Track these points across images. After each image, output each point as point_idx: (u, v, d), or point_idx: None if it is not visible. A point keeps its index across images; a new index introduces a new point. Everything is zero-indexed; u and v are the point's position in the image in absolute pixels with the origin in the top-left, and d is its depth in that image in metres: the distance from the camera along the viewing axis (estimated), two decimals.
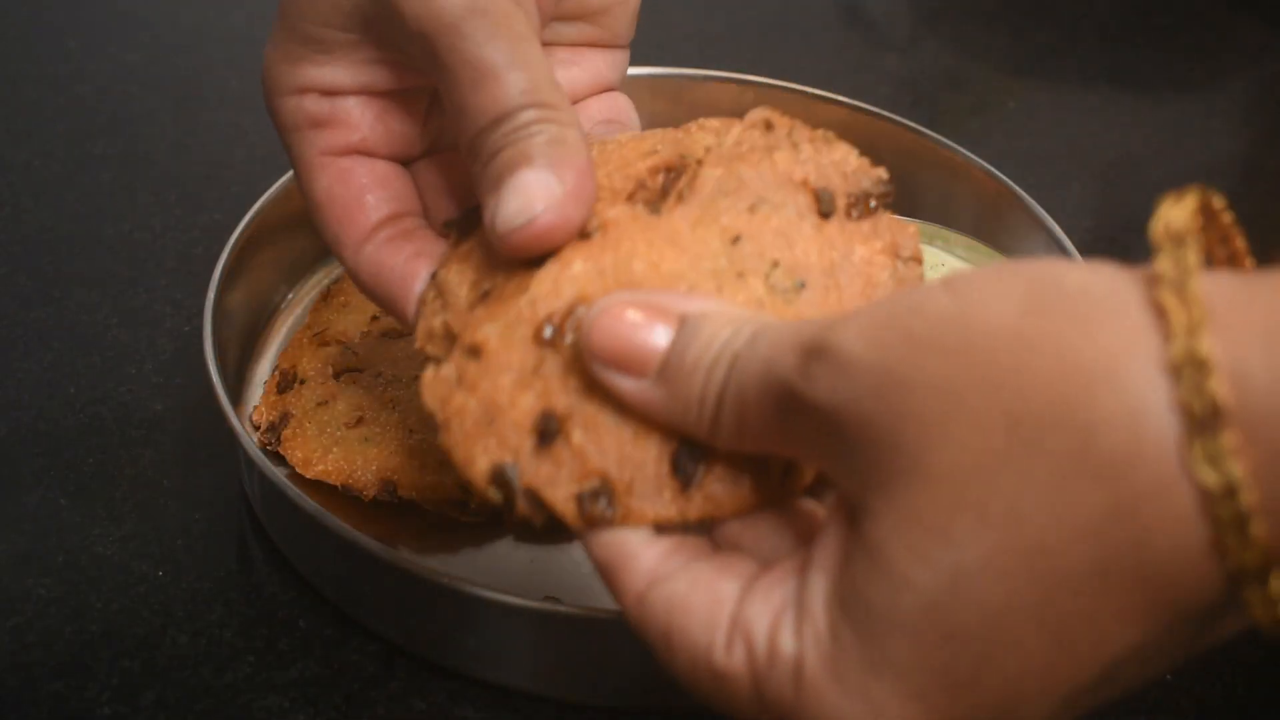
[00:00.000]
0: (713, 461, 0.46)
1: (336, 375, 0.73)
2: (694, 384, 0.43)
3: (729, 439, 0.44)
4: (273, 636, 0.66)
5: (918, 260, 0.49)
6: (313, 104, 0.59)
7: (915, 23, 1.22)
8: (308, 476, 0.70)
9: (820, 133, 0.52)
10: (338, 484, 0.69)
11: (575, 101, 0.66)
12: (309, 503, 0.64)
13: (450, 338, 0.54)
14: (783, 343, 0.42)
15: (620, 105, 0.67)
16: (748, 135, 0.51)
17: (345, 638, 0.66)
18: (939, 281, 0.40)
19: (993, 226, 0.84)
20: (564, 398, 0.46)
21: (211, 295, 0.73)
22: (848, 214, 0.50)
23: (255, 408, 0.74)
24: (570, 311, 0.47)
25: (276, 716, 0.63)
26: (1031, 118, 1.08)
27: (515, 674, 0.64)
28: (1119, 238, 0.93)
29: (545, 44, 0.65)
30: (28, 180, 0.95)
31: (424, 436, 0.70)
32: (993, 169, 0.85)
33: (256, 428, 0.73)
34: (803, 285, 0.48)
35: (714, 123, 0.58)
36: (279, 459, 0.71)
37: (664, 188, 0.52)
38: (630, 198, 0.53)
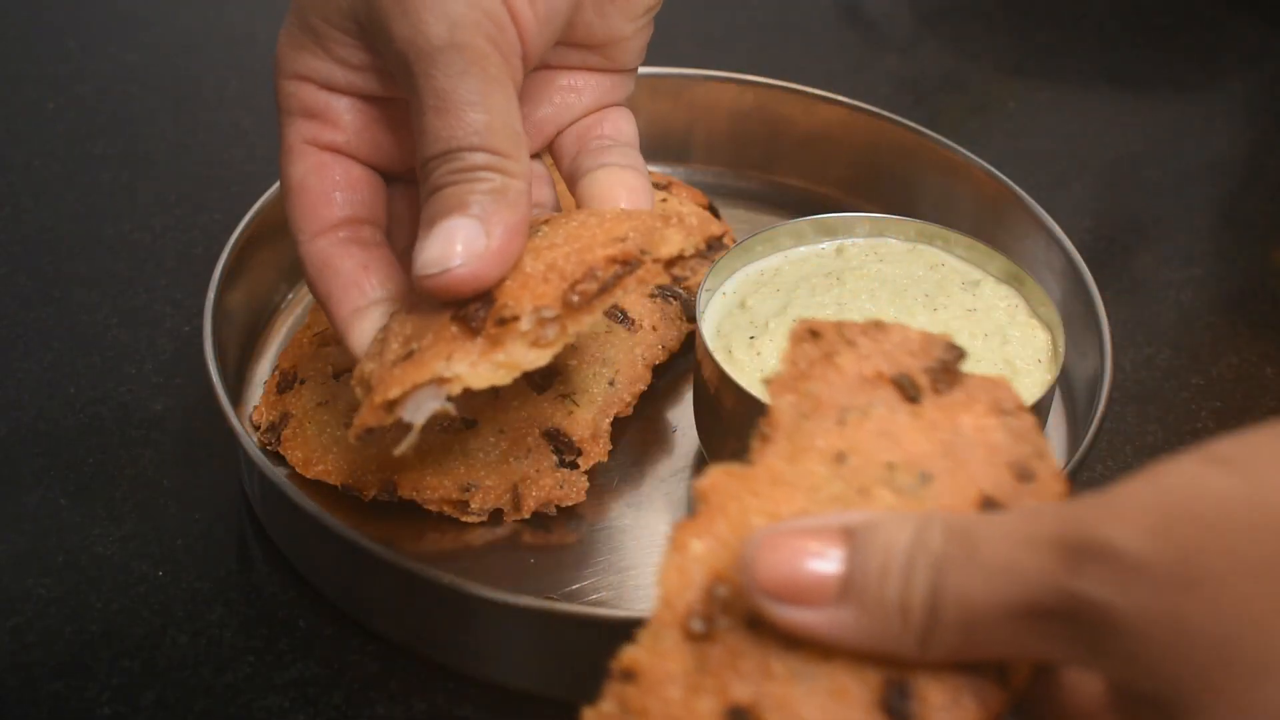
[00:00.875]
0: (923, 690, 0.41)
1: (336, 375, 0.73)
2: (888, 595, 0.39)
3: (948, 649, 0.40)
4: (273, 636, 0.66)
5: (1023, 409, 0.46)
6: (309, 93, 0.61)
7: (915, 23, 1.22)
8: (308, 476, 0.70)
9: (869, 322, 0.49)
10: (338, 484, 0.69)
11: (572, 121, 0.68)
12: (309, 503, 0.64)
13: (367, 387, 0.56)
14: (1023, 543, 0.38)
15: (616, 122, 0.68)
16: (799, 352, 0.49)
17: (345, 638, 0.66)
18: (1197, 458, 0.38)
19: (993, 226, 0.84)
20: (742, 686, 0.41)
21: (211, 295, 0.73)
22: (935, 390, 0.47)
23: (255, 408, 0.74)
24: (710, 595, 0.43)
25: (276, 716, 0.63)
26: (1031, 118, 1.08)
27: (515, 674, 0.64)
28: (1119, 238, 0.93)
29: (549, 66, 0.66)
30: (28, 180, 0.95)
31: (424, 436, 0.70)
32: (993, 169, 0.85)
33: (256, 428, 0.73)
34: (927, 477, 0.45)
35: (693, 218, 0.59)
36: (279, 459, 0.71)
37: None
38: (571, 290, 0.55)
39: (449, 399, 0.55)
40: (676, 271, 0.58)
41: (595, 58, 0.66)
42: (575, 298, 0.55)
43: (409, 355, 0.56)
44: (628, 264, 0.56)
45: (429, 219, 0.56)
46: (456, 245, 0.55)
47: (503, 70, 0.57)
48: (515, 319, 0.55)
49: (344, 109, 0.62)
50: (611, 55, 0.66)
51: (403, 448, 0.57)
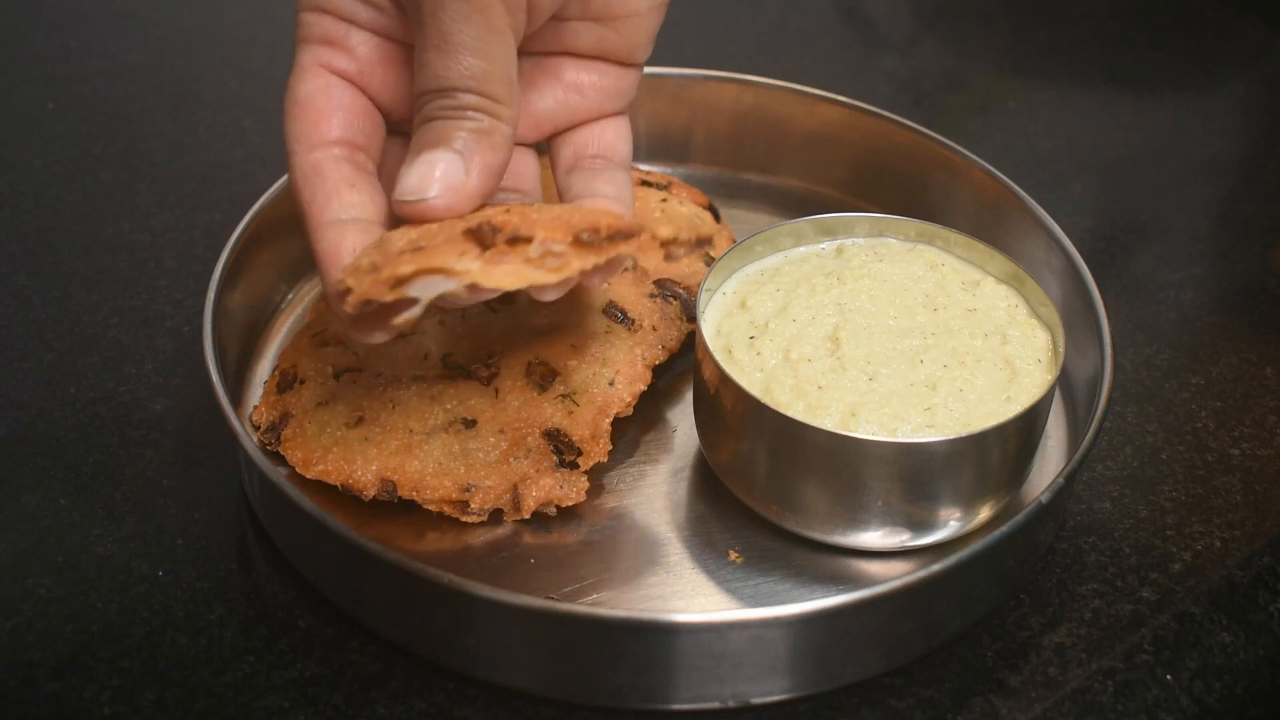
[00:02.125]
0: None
1: (336, 375, 0.73)
2: None
3: None
4: (273, 636, 0.66)
5: None
6: (328, 23, 0.65)
7: (915, 23, 1.22)
8: (308, 476, 0.70)
9: None
10: (338, 484, 0.69)
11: (571, 125, 0.70)
12: (309, 503, 0.64)
13: (375, 270, 0.58)
14: None
15: (613, 140, 0.70)
16: None
17: (345, 638, 0.66)
18: None
19: (993, 226, 0.84)
20: None
21: (211, 295, 0.73)
22: None
23: (255, 408, 0.74)
24: None
25: (276, 716, 0.63)
26: (1031, 118, 1.08)
27: (515, 674, 0.64)
28: (1119, 238, 0.93)
29: (564, 52, 0.69)
30: (28, 180, 0.96)
31: (424, 436, 0.70)
32: (993, 169, 0.85)
33: (256, 428, 0.73)
34: None
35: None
36: (279, 459, 0.72)
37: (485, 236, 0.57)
38: (580, 232, 0.58)
39: (460, 285, 0.58)
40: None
41: (609, 37, 0.69)
42: (586, 236, 0.58)
43: (418, 250, 0.58)
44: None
45: (415, 148, 0.61)
46: (435, 175, 0.60)
47: (504, 21, 0.61)
48: (527, 241, 0.58)
49: (360, 41, 0.65)
50: (624, 32, 0.69)
51: (404, 318, 0.59)
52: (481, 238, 0.58)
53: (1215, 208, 0.99)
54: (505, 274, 0.58)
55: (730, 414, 0.68)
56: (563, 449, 0.70)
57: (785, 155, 0.94)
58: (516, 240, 0.58)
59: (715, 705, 0.63)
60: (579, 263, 0.58)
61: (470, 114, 0.60)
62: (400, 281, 0.58)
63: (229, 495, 0.73)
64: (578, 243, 0.58)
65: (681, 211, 0.85)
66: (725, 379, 0.67)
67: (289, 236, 0.82)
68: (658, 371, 0.75)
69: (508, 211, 0.61)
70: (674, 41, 1.11)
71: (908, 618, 0.64)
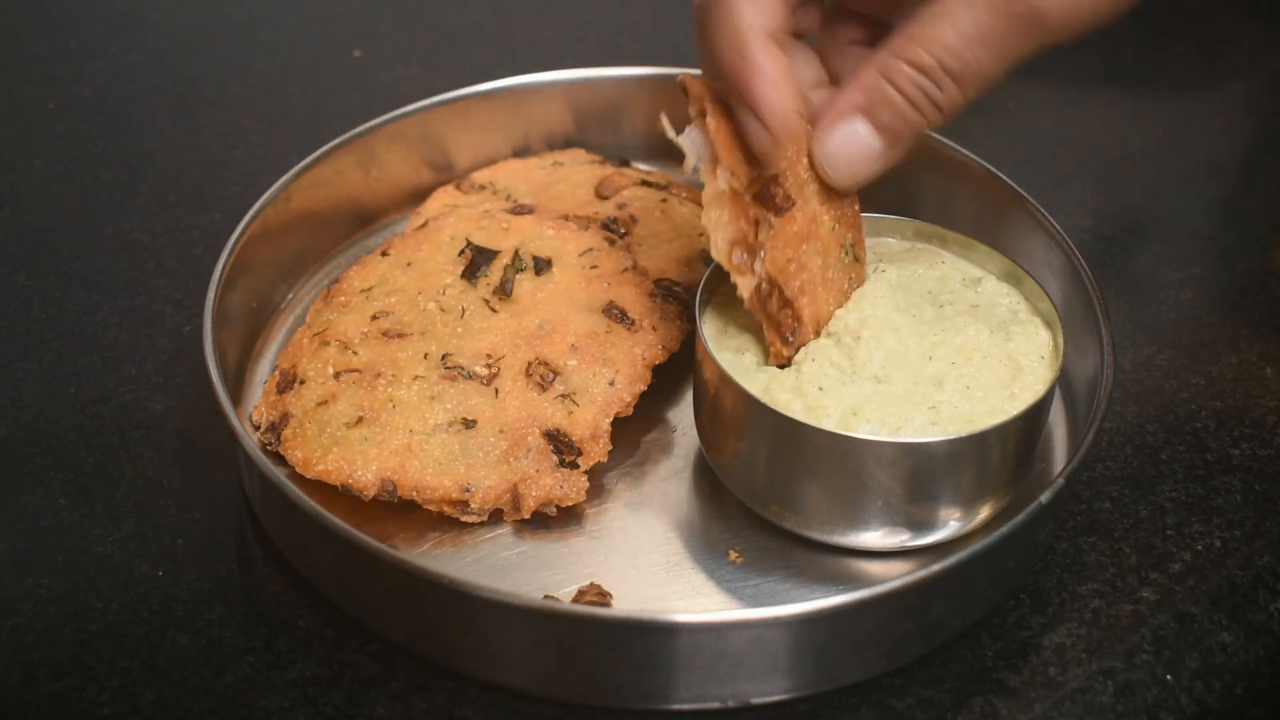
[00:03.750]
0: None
1: (336, 375, 0.73)
2: None
3: None
4: (273, 636, 0.66)
5: None
6: None
7: None
8: (308, 476, 0.70)
9: None
10: (337, 484, 0.69)
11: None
12: (309, 503, 0.64)
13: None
14: None
15: None
16: None
17: (345, 638, 0.66)
18: None
19: (993, 226, 0.84)
20: None
21: (211, 295, 0.73)
22: None
23: (255, 408, 0.74)
24: None
25: (276, 716, 0.63)
26: (1031, 118, 1.08)
27: (515, 674, 0.64)
28: (1119, 237, 0.93)
29: None
30: (28, 180, 0.96)
31: (424, 436, 0.70)
32: (993, 169, 0.85)
33: (256, 428, 0.73)
34: None
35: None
36: (279, 459, 0.71)
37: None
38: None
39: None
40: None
41: None
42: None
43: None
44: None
45: (832, 116, 0.68)
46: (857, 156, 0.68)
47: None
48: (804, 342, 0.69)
49: None
50: None
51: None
52: (779, 327, 0.68)
53: (1215, 208, 0.99)
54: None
55: (730, 414, 0.68)
56: (563, 449, 0.70)
57: None
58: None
59: (715, 705, 0.63)
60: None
61: (911, 91, 0.67)
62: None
63: (229, 495, 0.73)
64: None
65: (682, 212, 0.85)
66: (725, 379, 0.67)
67: (289, 236, 0.82)
68: (658, 371, 0.75)
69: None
70: (673, 41, 1.11)
71: (908, 618, 0.64)
